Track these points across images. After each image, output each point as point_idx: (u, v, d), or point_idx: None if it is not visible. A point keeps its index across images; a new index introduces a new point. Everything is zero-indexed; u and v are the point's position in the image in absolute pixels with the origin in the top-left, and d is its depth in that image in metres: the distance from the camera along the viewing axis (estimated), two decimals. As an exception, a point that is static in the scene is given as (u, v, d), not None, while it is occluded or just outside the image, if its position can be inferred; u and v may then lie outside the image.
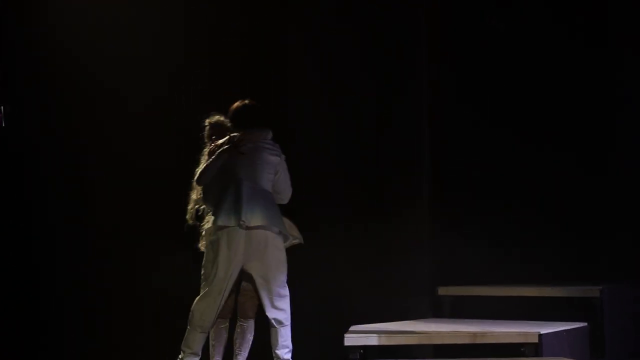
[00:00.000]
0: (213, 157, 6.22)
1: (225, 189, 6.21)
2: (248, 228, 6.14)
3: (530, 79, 8.15)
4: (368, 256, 7.90)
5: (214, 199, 6.26)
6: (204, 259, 6.28)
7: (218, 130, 6.43)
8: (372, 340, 6.25)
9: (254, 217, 6.14)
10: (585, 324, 6.86)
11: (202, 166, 6.29)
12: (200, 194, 6.44)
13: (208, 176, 6.26)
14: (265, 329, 6.30)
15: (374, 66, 8.09)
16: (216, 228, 6.20)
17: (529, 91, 8.15)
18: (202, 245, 6.48)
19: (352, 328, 6.57)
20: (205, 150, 6.40)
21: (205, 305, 6.20)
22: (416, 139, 8.03)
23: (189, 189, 6.56)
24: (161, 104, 8.51)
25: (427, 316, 7.68)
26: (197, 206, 6.48)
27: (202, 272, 6.27)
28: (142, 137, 8.52)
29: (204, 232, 6.44)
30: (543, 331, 6.17)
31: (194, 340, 6.23)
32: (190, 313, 6.25)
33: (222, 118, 6.48)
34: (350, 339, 6.26)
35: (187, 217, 6.52)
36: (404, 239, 7.90)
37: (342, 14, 8.11)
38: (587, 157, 8.05)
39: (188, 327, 6.26)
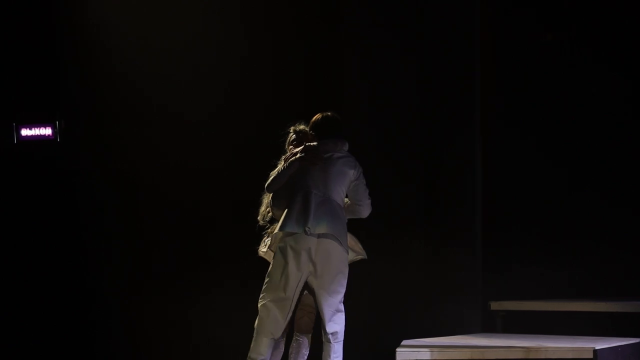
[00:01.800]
0: (286, 164, 6.23)
1: (295, 197, 6.18)
2: (318, 236, 6.11)
3: (589, 119, 8.08)
4: (420, 271, 7.88)
5: (283, 206, 6.24)
6: (271, 265, 6.21)
7: (300, 138, 6.43)
8: (424, 355, 6.21)
9: (320, 226, 6.10)
10: (641, 339, 6.78)
11: (274, 172, 6.29)
12: (270, 199, 6.43)
13: (277, 184, 6.25)
14: (317, 345, 6.28)
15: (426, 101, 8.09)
16: (284, 234, 6.16)
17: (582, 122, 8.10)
18: (261, 250, 6.48)
19: (404, 342, 6.55)
20: (283, 156, 6.39)
21: (275, 312, 6.12)
22: (470, 159, 8.00)
23: (248, 208, 6.59)
24: (215, 122, 8.59)
25: (479, 331, 7.64)
26: (267, 209, 6.46)
27: (267, 279, 6.19)
28: (197, 156, 8.61)
29: (266, 237, 6.43)
30: (598, 347, 6.10)
31: (263, 345, 6.14)
32: (258, 320, 6.17)
33: (306, 128, 6.47)
34: (402, 354, 6.24)
35: (259, 217, 6.50)
36: (457, 253, 7.87)
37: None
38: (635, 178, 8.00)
39: (254, 335, 6.18)
